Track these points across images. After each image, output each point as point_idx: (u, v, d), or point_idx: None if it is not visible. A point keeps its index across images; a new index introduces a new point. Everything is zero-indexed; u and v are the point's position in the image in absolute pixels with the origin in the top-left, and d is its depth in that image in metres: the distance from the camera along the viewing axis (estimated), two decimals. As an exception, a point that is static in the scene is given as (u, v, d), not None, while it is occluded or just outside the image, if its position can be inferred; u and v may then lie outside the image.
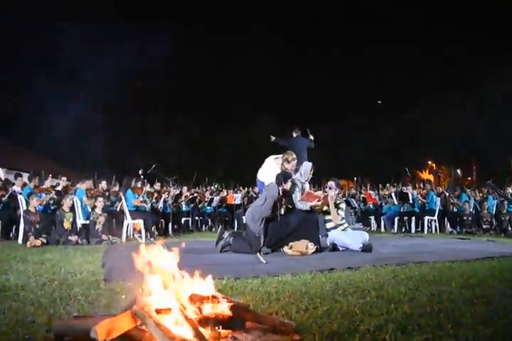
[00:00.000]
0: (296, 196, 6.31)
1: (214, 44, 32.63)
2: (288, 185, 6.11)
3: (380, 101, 33.95)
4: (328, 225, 6.27)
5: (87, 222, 8.21)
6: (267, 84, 32.68)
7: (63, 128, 23.88)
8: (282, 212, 6.12)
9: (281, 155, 6.77)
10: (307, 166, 6.64)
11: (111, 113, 26.16)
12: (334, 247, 6.04)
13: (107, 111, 25.93)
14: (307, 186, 6.66)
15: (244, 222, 6.37)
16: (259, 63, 32.42)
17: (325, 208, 6.26)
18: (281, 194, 6.08)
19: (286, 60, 33.34)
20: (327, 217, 6.30)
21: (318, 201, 6.10)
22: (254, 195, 12.61)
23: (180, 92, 30.68)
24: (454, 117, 29.05)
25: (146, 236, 8.86)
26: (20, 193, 8.60)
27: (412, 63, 31.99)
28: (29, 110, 22.82)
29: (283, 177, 6.12)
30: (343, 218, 6.35)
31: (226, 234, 6.23)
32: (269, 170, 6.81)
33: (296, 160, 6.68)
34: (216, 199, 13.48)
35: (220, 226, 6.40)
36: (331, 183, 6.42)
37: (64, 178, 10.69)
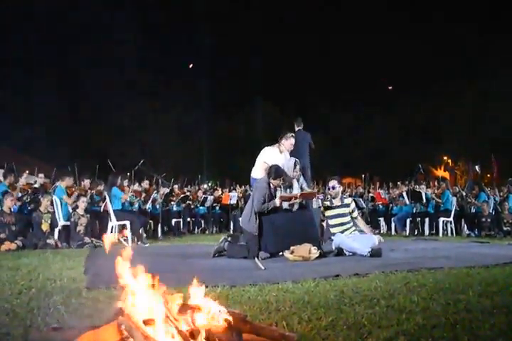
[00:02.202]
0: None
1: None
2: (277, 182, 6.19)
3: (390, 87, 33.72)
4: (334, 230, 6.33)
5: (68, 223, 8.21)
6: (265, 69, 32.52)
7: (40, 120, 23.97)
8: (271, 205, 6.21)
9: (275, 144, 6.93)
10: (289, 163, 6.72)
11: (91, 102, 26.22)
12: (339, 252, 6.07)
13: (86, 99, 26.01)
14: (296, 186, 6.73)
15: (240, 224, 6.42)
16: (256, 42, 32.18)
17: (334, 212, 6.35)
18: (271, 187, 6.17)
19: (286, 41, 33.08)
20: (332, 222, 6.35)
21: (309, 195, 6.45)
22: (252, 194, 12.63)
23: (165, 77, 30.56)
24: (472, 109, 29.08)
25: (133, 240, 8.85)
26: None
27: (429, 46, 31.83)
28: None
29: (275, 171, 6.20)
30: (352, 218, 6.44)
31: (221, 239, 6.29)
32: (263, 161, 6.82)
33: (294, 138, 6.80)
34: (210, 198, 13.47)
35: (223, 238, 6.48)
36: (334, 183, 6.51)
37: (41, 175, 10.68)
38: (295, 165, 6.72)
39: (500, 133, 26.41)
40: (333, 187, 6.52)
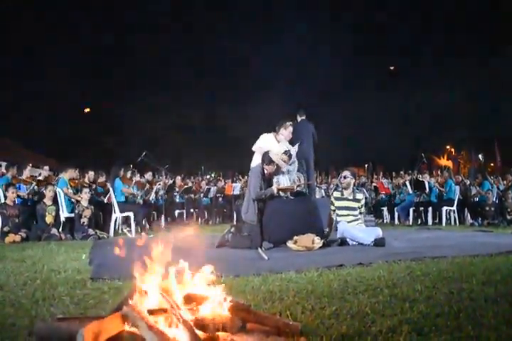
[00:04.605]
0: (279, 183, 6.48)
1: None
2: (271, 168, 6.23)
3: (392, 67, 33.19)
4: (340, 219, 6.32)
5: (72, 215, 8.23)
6: (265, 60, 32.33)
7: (41, 114, 24.02)
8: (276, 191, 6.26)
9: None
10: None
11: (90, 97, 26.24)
12: (343, 241, 6.07)
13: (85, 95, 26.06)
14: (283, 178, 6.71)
15: (242, 215, 6.45)
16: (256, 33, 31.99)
17: (344, 204, 6.34)
18: (265, 173, 6.22)
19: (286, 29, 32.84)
20: (340, 213, 6.34)
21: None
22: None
23: (168, 69, 30.51)
24: (475, 96, 28.91)
25: (137, 231, 8.88)
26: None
27: (432, 30, 31.57)
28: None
29: (268, 157, 6.27)
30: (360, 213, 6.42)
31: (225, 230, 6.31)
32: (259, 146, 6.75)
33: (292, 127, 6.80)
34: (213, 189, 13.48)
35: (227, 229, 6.50)
36: (346, 173, 6.48)
37: (46, 167, 10.69)
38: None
39: (503, 123, 26.33)
40: (345, 177, 6.47)
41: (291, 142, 7.05)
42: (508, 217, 10.65)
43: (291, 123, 6.84)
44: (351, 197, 6.41)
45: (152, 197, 11.08)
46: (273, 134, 6.79)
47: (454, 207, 10.84)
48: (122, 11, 28.87)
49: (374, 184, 14.13)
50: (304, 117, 9.40)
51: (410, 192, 11.77)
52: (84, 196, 8.33)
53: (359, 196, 6.52)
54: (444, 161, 31.44)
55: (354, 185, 6.75)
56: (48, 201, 8.10)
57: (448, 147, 33.67)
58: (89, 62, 28.28)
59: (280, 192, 6.36)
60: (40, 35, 25.66)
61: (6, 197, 7.97)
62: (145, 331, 1.75)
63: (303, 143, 8.08)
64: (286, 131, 6.73)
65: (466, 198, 11.62)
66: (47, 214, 7.97)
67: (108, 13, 28.56)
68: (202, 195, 13.38)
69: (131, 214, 8.73)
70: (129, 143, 25.59)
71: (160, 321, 1.86)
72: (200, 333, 1.86)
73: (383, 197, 13.24)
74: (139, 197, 9.98)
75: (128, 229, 9.05)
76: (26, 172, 9.82)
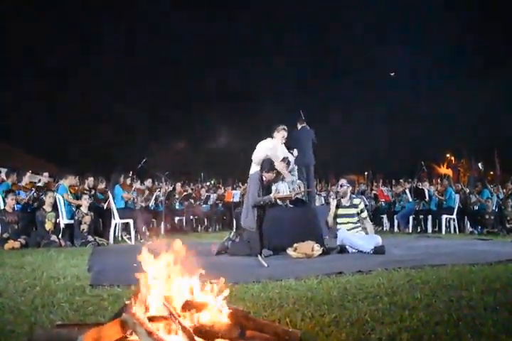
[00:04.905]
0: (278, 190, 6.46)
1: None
2: (270, 175, 6.25)
3: (393, 73, 33.11)
4: (339, 226, 6.32)
5: (71, 221, 8.21)
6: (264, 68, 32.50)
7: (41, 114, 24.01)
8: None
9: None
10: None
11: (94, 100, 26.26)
12: (342, 249, 6.07)
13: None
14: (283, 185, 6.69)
15: (241, 222, 6.44)
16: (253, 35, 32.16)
17: (343, 211, 6.34)
18: (264, 180, 6.23)
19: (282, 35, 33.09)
20: (340, 221, 6.35)
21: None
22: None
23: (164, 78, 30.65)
24: (475, 104, 28.96)
25: (136, 238, 8.87)
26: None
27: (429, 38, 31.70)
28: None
29: (268, 164, 6.28)
30: (358, 220, 6.43)
31: (225, 238, 6.32)
32: (256, 151, 6.71)
33: (286, 132, 6.78)
34: (213, 196, 13.47)
35: (226, 237, 6.50)
36: (343, 181, 6.50)
37: (46, 174, 10.68)
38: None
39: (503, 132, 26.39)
40: (342, 186, 6.51)
41: (288, 147, 7.03)
42: (508, 226, 10.65)
43: (284, 127, 6.80)
44: (349, 204, 6.43)
45: (152, 203, 11.07)
46: (270, 139, 6.78)
47: (454, 216, 10.82)
48: (122, 11, 29.04)
49: (374, 192, 14.14)
50: (304, 124, 9.38)
51: (410, 200, 11.78)
52: (84, 202, 8.32)
53: (356, 201, 6.55)
54: (443, 169, 31.38)
55: (353, 192, 6.77)
56: (47, 207, 8.08)
57: (448, 155, 33.68)
58: (88, 62, 28.40)
59: (278, 201, 6.36)
60: (40, 35, 25.71)
61: (5, 204, 7.96)
62: (145, 338, 1.75)
63: (303, 150, 8.06)
64: (279, 134, 6.69)
65: (466, 206, 11.62)
66: (46, 220, 7.94)
67: (108, 12, 28.74)
68: (202, 202, 13.37)
69: (130, 221, 8.72)
70: (129, 144, 25.65)
71: (160, 328, 1.86)
72: (199, 340, 1.86)
73: (383, 204, 13.24)
74: (139, 202, 9.97)
75: (128, 236, 9.03)
76: (26, 179, 9.82)
